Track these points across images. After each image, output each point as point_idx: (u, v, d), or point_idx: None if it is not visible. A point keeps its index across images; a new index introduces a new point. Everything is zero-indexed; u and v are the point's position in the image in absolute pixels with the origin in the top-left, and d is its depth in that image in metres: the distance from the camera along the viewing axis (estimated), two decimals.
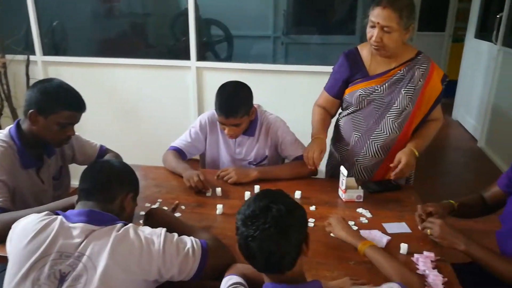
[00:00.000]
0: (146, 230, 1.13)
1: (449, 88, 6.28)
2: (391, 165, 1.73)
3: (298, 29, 4.33)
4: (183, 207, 1.64)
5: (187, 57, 3.15)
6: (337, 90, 1.92)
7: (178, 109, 3.22)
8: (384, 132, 1.84)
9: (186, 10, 3.14)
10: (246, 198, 1.66)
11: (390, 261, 1.20)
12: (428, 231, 1.37)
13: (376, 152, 1.88)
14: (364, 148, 1.90)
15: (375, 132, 1.86)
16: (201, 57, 3.23)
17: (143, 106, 3.34)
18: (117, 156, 1.92)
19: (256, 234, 0.92)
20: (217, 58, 3.85)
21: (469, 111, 5.11)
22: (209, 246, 1.18)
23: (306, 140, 1.98)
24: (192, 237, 1.18)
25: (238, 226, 0.97)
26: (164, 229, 1.15)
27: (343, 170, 1.68)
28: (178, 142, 2.01)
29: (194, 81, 3.15)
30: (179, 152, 1.97)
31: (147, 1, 4.20)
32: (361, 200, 1.68)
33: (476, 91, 4.86)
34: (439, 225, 1.34)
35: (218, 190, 1.73)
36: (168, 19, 3.83)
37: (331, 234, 1.43)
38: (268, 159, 2.00)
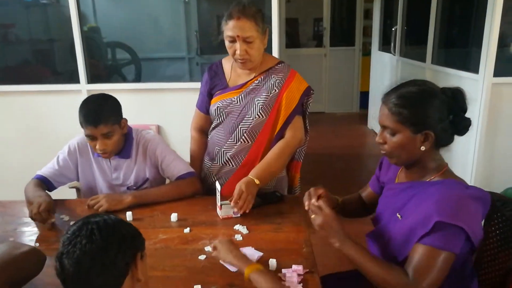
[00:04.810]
0: None
1: (363, 99, 6.60)
2: (233, 201, 1.56)
3: (213, 49, 4.33)
4: (37, 244, 1.44)
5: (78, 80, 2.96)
6: (204, 104, 1.87)
7: (71, 135, 2.98)
8: (234, 141, 1.78)
9: (85, 33, 3.05)
10: None
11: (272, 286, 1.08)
12: (312, 216, 1.27)
13: (227, 161, 1.81)
14: (217, 157, 1.83)
15: (228, 142, 1.79)
16: (98, 79, 3.06)
17: (40, 135, 3.07)
18: None
19: (70, 249, 0.82)
20: (125, 81, 3.72)
21: None
22: None
23: None
24: None
25: (58, 250, 0.86)
26: None
27: (217, 186, 1.58)
28: (44, 170, 1.81)
29: None
30: (43, 181, 1.77)
31: (47, 26, 3.98)
32: (239, 215, 1.59)
33: None
34: (325, 215, 1.23)
35: None
36: (68, 43, 3.66)
37: (221, 262, 1.28)
38: (150, 181, 1.85)
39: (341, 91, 6.68)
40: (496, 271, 1.35)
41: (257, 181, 1.63)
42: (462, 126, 1.18)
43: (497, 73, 2.68)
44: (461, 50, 3.47)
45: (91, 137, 1.67)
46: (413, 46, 4.33)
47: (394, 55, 4.50)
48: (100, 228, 0.85)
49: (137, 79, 3.75)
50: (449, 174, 1.21)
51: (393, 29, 4.49)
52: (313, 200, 1.31)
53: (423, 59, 3.69)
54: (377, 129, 5.47)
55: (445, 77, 3.21)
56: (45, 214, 1.52)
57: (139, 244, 0.92)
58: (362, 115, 6.33)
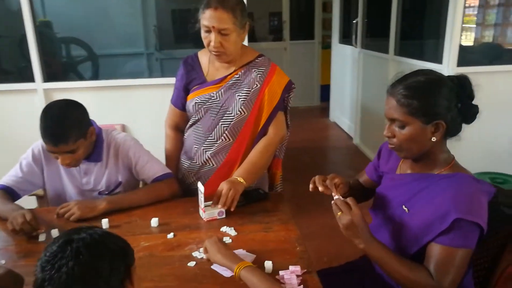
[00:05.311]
0: None
1: (325, 92, 6.66)
2: (214, 199, 1.50)
3: (172, 44, 4.18)
4: (3, 261, 1.29)
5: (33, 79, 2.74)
6: (180, 100, 1.77)
7: (28, 139, 2.76)
8: (215, 139, 1.70)
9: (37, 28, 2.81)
10: None
11: (265, 283, 1.04)
12: (339, 213, 1.16)
13: (207, 160, 1.73)
14: (196, 156, 1.75)
15: (208, 140, 1.71)
16: (53, 77, 2.85)
17: None
18: None
19: (53, 275, 0.71)
20: (81, 79, 3.51)
21: (343, 112, 5.40)
22: None
23: None
24: None
25: (36, 276, 0.74)
26: None
27: (200, 186, 1.50)
28: (6, 179, 1.64)
29: (43, 105, 2.73)
30: (7, 191, 1.60)
31: None
32: (224, 216, 1.52)
33: (346, 92, 5.16)
34: (353, 215, 1.13)
35: (54, 231, 1.42)
36: (16, 40, 3.39)
37: (213, 267, 1.21)
38: (123, 185, 1.73)
39: (302, 84, 6.68)
40: (484, 257, 1.37)
41: (241, 180, 1.57)
42: (470, 113, 1.17)
43: (460, 63, 2.76)
44: (424, 41, 3.56)
45: (52, 152, 1.52)
46: (374, 38, 4.40)
47: (356, 47, 4.55)
48: (87, 246, 0.75)
49: (95, 76, 3.55)
50: (457, 167, 1.20)
51: (354, 21, 4.54)
52: (337, 196, 1.24)
53: (386, 51, 3.75)
54: (340, 121, 5.60)
55: (409, 68, 3.24)
56: (35, 223, 1.39)
57: (131, 257, 0.83)
58: (323, 108, 6.41)
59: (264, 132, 1.72)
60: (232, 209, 1.50)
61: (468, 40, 3.65)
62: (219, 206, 1.48)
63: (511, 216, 1.29)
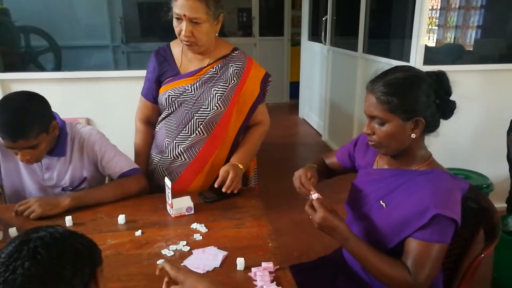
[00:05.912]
0: None
1: (294, 89, 6.67)
2: (217, 181, 1.55)
3: (138, 37, 4.07)
4: None
5: None
6: (151, 93, 1.70)
7: None
8: (189, 133, 1.66)
9: None
10: None
11: None
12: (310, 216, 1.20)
13: (179, 154, 1.68)
14: (167, 150, 1.70)
15: (181, 134, 1.67)
16: (11, 68, 2.70)
17: None
18: None
19: (8, 277, 0.65)
20: (42, 70, 3.35)
21: (312, 109, 5.45)
22: None
23: None
24: None
25: None
26: None
27: (167, 182, 1.45)
28: None
29: None
30: None
31: None
32: (192, 212, 1.48)
33: (315, 89, 5.21)
34: (320, 218, 1.15)
35: (12, 230, 1.33)
36: None
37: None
38: (88, 181, 1.65)
39: (272, 81, 6.69)
40: (451, 251, 1.40)
41: (241, 166, 1.60)
42: (448, 109, 1.18)
43: (425, 62, 2.83)
44: (391, 40, 3.63)
45: (11, 148, 1.43)
46: (343, 36, 4.45)
47: (325, 45, 4.59)
48: (46, 245, 0.69)
49: (57, 69, 3.41)
50: (435, 164, 1.22)
51: (323, 19, 4.57)
52: (312, 196, 1.22)
53: (354, 49, 3.80)
54: (309, 118, 5.64)
55: (377, 65, 3.31)
56: None
57: (97, 258, 0.78)
58: (292, 105, 6.44)
59: (246, 125, 1.73)
60: (235, 192, 1.56)
61: (431, 40, 3.77)
62: (223, 189, 1.52)
63: (477, 210, 1.33)
